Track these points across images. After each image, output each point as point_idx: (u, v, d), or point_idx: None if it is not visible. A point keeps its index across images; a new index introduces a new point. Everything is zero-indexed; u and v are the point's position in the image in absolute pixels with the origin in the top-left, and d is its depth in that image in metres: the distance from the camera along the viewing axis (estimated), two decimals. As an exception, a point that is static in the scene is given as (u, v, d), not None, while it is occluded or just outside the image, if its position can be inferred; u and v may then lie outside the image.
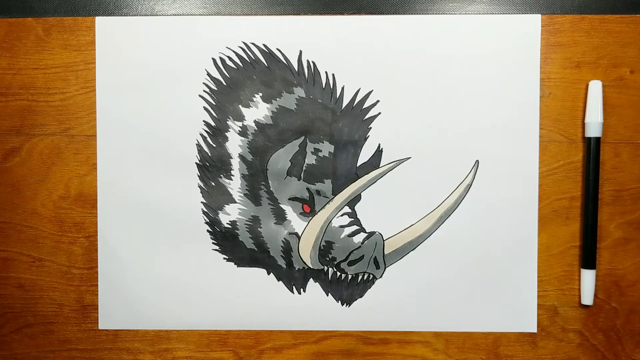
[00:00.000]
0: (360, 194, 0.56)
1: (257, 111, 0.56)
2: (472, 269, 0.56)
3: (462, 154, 0.56)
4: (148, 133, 0.56)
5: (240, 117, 0.56)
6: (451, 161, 0.56)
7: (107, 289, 0.58)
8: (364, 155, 0.56)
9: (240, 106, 0.56)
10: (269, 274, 0.57)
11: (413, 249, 0.56)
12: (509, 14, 0.55)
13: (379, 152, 0.56)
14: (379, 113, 0.55)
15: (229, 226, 0.57)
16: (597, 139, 0.54)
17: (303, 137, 0.56)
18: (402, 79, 0.55)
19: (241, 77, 0.56)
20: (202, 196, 0.56)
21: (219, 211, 0.57)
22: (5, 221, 0.58)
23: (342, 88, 0.55)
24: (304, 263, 0.57)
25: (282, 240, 0.57)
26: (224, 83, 0.56)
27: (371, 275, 0.57)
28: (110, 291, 0.58)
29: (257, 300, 0.57)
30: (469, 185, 0.56)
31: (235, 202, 0.57)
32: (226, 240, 0.57)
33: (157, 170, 0.56)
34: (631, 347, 0.57)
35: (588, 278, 0.55)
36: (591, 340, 0.57)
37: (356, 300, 0.57)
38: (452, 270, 0.56)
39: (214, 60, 0.56)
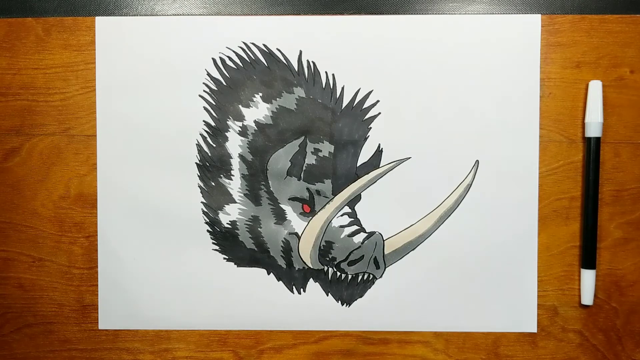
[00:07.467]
0: (360, 194, 0.56)
1: (257, 111, 0.56)
2: (472, 269, 0.56)
3: (462, 154, 0.55)
4: (148, 133, 0.56)
5: (240, 117, 0.56)
6: (451, 161, 0.56)
7: (107, 289, 0.58)
8: (364, 155, 0.56)
9: (240, 106, 0.56)
10: (269, 274, 0.57)
11: (413, 249, 0.56)
12: (509, 14, 0.55)
13: (379, 152, 0.56)
14: (379, 113, 0.55)
15: (229, 226, 0.57)
16: (597, 139, 0.54)
17: (303, 137, 0.56)
18: (402, 79, 0.55)
19: (241, 77, 0.56)
20: (202, 196, 0.56)
21: (219, 211, 0.57)
22: (5, 221, 0.58)
23: (342, 88, 0.55)
24: (304, 263, 0.57)
25: (282, 240, 0.57)
26: (224, 83, 0.56)
27: (371, 275, 0.57)
28: (110, 291, 0.58)
29: (257, 300, 0.57)
30: (469, 185, 0.56)
31: (235, 202, 0.57)
32: (226, 240, 0.57)
33: (157, 170, 0.56)
34: (631, 347, 0.57)
35: (588, 278, 0.55)
36: (591, 340, 0.57)
37: (356, 300, 0.57)
38: (452, 270, 0.56)
39: (214, 60, 0.56)
